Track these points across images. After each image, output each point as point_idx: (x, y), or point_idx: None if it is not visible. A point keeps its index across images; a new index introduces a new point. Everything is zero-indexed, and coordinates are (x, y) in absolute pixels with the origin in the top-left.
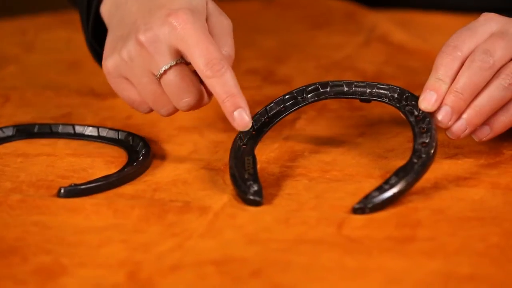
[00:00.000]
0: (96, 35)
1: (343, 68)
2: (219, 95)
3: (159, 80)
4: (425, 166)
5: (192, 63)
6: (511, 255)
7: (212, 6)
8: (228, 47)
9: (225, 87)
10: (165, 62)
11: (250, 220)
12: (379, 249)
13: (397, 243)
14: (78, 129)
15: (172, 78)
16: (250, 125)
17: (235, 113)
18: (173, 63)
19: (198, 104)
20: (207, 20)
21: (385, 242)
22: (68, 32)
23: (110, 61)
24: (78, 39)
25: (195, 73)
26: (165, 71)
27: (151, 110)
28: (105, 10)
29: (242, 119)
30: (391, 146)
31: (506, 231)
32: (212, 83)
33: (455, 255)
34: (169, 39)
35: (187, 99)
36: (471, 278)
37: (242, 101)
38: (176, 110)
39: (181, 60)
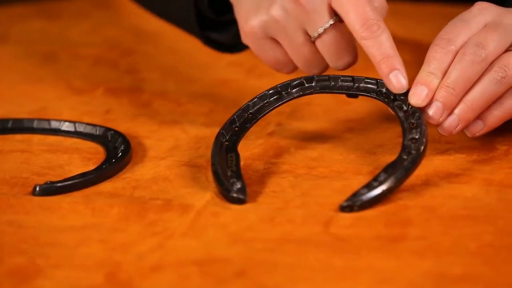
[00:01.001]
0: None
1: None
2: (375, 56)
3: (315, 40)
4: (415, 162)
5: (346, 22)
6: (505, 255)
7: None
8: (380, 2)
9: (381, 48)
10: (324, 21)
11: (233, 219)
12: (367, 248)
13: (386, 243)
14: (54, 124)
15: (331, 38)
16: (406, 87)
17: (391, 75)
18: (331, 22)
19: (354, 62)
20: None
21: (374, 242)
22: (43, 23)
23: (255, 20)
24: (54, 30)
25: (350, 32)
26: (323, 32)
27: (294, 71)
28: None
29: (399, 81)
30: (380, 142)
31: (500, 229)
32: (368, 44)
33: (447, 254)
34: None
35: (347, 59)
36: (464, 278)
37: (398, 63)
38: (327, 68)
39: (337, 19)
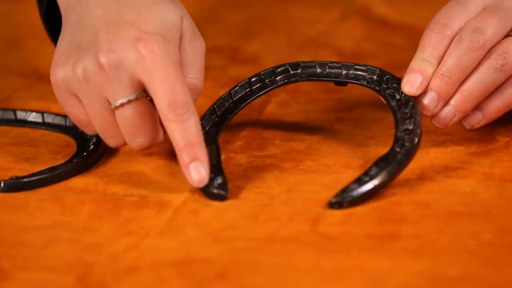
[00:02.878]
0: (50, 15)
1: (317, 45)
2: (177, 142)
3: (114, 110)
4: (409, 155)
5: (153, 99)
6: (505, 254)
7: (187, 24)
8: (196, 76)
9: (185, 134)
10: (124, 94)
11: (214, 217)
12: (358, 248)
13: (378, 241)
14: (20, 114)
15: (129, 114)
16: (206, 181)
17: (191, 165)
18: (133, 97)
19: (151, 145)
20: (179, 41)
21: (365, 240)
22: (7, 5)
23: (60, 72)
24: (19, 13)
25: (155, 110)
26: (122, 104)
27: (97, 134)
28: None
29: (199, 173)
30: (372, 133)
31: (500, 227)
32: (172, 128)
33: (443, 254)
34: (134, 68)
35: (141, 140)
36: (461, 279)
37: (201, 153)
38: (125, 143)
39: (143, 94)
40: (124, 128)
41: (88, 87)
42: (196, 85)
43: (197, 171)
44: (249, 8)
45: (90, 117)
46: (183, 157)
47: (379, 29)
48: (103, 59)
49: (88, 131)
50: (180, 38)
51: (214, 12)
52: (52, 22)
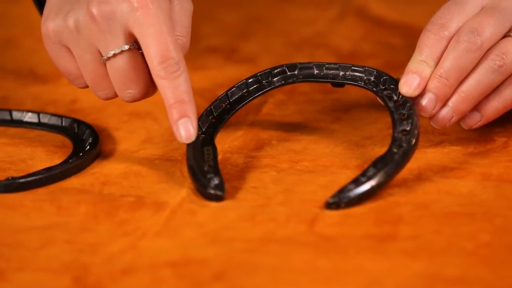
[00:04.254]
0: None
1: (314, 45)
2: (168, 99)
3: (105, 62)
4: (406, 156)
5: (145, 54)
6: (504, 255)
7: None
8: (184, 35)
9: (176, 91)
10: (116, 44)
11: (211, 217)
12: (355, 248)
13: (376, 242)
14: (16, 115)
15: (121, 65)
16: (194, 138)
17: (180, 122)
18: (125, 48)
19: (143, 96)
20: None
21: (363, 241)
22: (2, 5)
23: (51, 23)
24: (15, 13)
25: (146, 62)
26: (114, 55)
27: (86, 86)
28: None
29: (187, 129)
30: (369, 133)
31: (498, 228)
32: (163, 85)
33: (441, 255)
34: (126, 20)
35: (132, 91)
36: (459, 280)
37: (191, 110)
38: (115, 95)
39: (134, 46)
40: (115, 79)
41: (79, 38)
42: (183, 43)
43: (186, 128)
44: (245, 8)
45: (81, 69)
46: (172, 113)
47: (377, 29)
48: (94, 10)
49: (79, 83)
50: None
51: (211, 11)
52: None
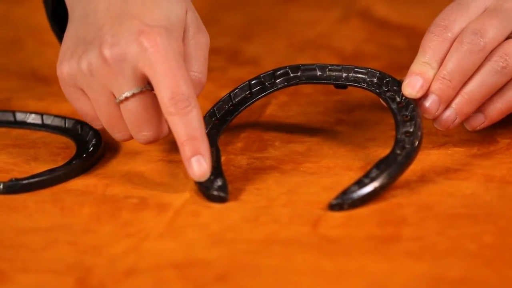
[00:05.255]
0: (57, 12)
1: (317, 47)
2: (179, 136)
3: (119, 104)
4: (409, 157)
5: (156, 93)
6: (507, 257)
7: (192, 18)
8: (200, 71)
9: (187, 128)
10: (128, 87)
11: (214, 219)
12: (359, 250)
13: (379, 244)
14: (19, 116)
15: (134, 107)
16: (208, 175)
17: (193, 159)
18: (137, 90)
19: (157, 138)
20: (183, 34)
21: (366, 243)
22: (5, 6)
23: (66, 67)
24: (18, 15)
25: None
26: (126, 98)
27: (105, 128)
28: None
29: (200, 167)
30: (372, 135)
31: (501, 229)
32: (174, 121)
33: (444, 256)
34: (137, 61)
35: (146, 133)
36: (463, 282)
37: (203, 147)
38: (132, 137)
39: (147, 87)
40: (129, 121)
41: (93, 81)
42: (199, 79)
43: (199, 165)
44: (249, 9)
45: (96, 111)
46: (185, 150)
47: (380, 30)
48: (106, 52)
49: (96, 125)
50: (184, 31)
51: (214, 13)
52: (59, 20)
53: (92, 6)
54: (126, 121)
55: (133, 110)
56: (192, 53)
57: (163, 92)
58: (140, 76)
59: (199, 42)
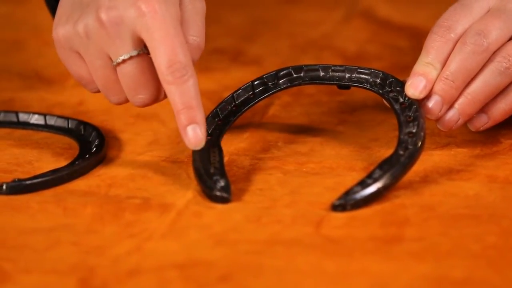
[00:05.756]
0: None
1: (320, 47)
2: (176, 104)
3: (115, 67)
4: (412, 158)
5: (153, 59)
6: (510, 257)
7: None
8: (198, 35)
9: (183, 97)
10: (125, 50)
11: (217, 219)
12: (361, 250)
13: (382, 244)
14: (22, 117)
15: (130, 70)
16: (203, 144)
17: (189, 127)
18: (134, 53)
19: (154, 101)
20: (180, 1)
21: (369, 243)
22: (8, 7)
23: (62, 30)
24: (21, 15)
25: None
26: (123, 60)
27: (99, 91)
28: None
29: (196, 136)
30: (375, 135)
31: (504, 230)
32: (171, 90)
33: (447, 257)
34: (134, 25)
35: (142, 96)
36: (465, 283)
37: (199, 115)
38: (127, 100)
39: (144, 50)
40: (126, 84)
41: (89, 44)
42: (198, 44)
43: (195, 134)
44: (251, 9)
45: (92, 75)
46: (181, 119)
47: (383, 30)
48: (103, 16)
49: (91, 88)
50: None
51: (217, 13)
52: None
53: None
54: (123, 84)
55: (130, 73)
56: (190, 18)
57: (160, 59)
58: (137, 39)
59: (196, 7)
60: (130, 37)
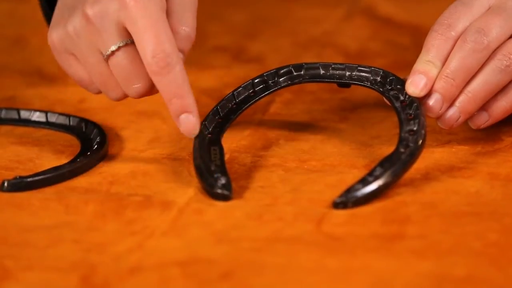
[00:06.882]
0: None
1: (322, 44)
2: (165, 94)
3: (107, 61)
4: (413, 156)
5: (138, 50)
6: (511, 254)
7: None
8: (188, 25)
9: (171, 86)
10: (113, 41)
11: (218, 217)
12: (363, 248)
13: (383, 241)
14: (24, 114)
15: (120, 61)
16: (197, 131)
17: (182, 116)
18: (122, 43)
19: (149, 91)
20: None
21: (370, 240)
22: (10, 4)
23: (54, 33)
24: (23, 12)
25: None
26: (112, 52)
27: (100, 92)
28: None
29: (189, 124)
30: (376, 133)
31: (506, 227)
32: (158, 80)
33: (449, 254)
34: (118, 15)
35: (137, 85)
36: (467, 280)
37: (190, 103)
38: (126, 95)
39: (132, 40)
40: (119, 76)
41: (80, 43)
42: (188, 34)
43: (188, 122)
44: (253, 7)
45: (89, 74)
46: (172, 108)
47: (384, 28)
48: (89, 11)
49: (92, 90)
50: None
51: (218, 11)
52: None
53: None
54: (116, 77)
55: (120, 63)
56: (180, 8)
57: (144, 49)
58: (123, 30)
59: None
60: (116, 28)
